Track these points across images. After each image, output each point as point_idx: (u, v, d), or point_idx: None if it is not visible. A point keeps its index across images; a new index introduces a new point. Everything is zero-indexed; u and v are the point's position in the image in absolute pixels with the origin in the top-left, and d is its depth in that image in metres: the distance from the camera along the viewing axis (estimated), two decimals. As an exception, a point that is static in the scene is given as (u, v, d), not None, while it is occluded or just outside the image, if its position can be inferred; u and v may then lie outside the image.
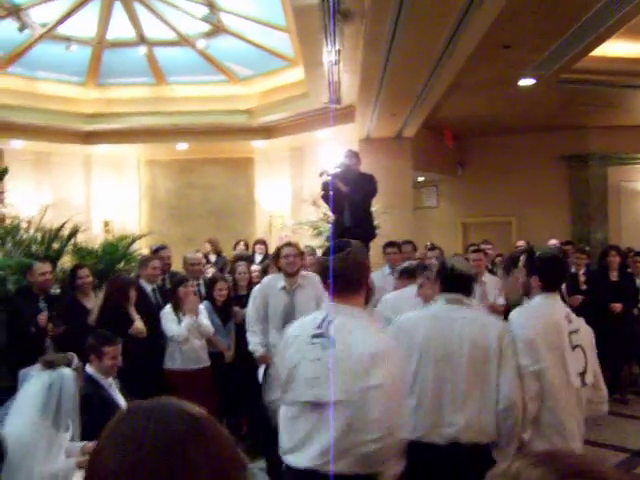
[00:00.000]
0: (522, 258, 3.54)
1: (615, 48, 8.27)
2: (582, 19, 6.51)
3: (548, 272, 3.30)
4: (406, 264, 5.55)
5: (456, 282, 3.24)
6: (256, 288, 5.75)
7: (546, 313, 3.22)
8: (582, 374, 3.13)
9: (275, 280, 5.57)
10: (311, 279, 5.31)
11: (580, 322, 3.29)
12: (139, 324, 5.50)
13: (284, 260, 5.43)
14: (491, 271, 7.33)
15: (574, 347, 3.13)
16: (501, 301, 6.36)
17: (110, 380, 4.19)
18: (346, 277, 2.66)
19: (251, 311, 5.57)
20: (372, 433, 2.43)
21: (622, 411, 7.01)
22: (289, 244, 5.65)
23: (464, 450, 2.96)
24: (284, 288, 5.42)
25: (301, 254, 5.67)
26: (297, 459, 2.61)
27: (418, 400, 3.03)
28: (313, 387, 2.56)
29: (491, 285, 6.60)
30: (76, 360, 3.56)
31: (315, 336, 2.63)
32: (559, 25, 6.71)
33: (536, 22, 6.49)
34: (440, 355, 3.04)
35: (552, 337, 3.12)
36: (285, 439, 2.71)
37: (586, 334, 3.27)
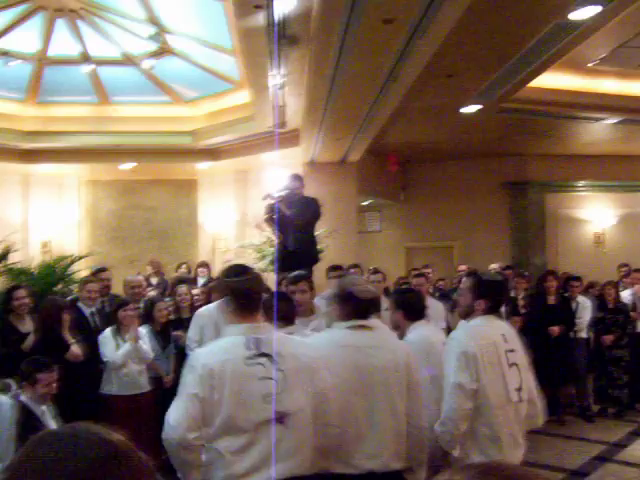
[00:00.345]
0: (465, 281, 3.59)
1: (552, 80, 8.57)
2: (521, 51, 6.73)
3: (494, 296, 3.39)
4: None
5: (356, 307, 3.12)
6: (201, 312, 5.61)
7: (485, 332, 3.29)
8: (518, 390, 3.22)
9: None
10: None
11: (516, 342, 3.36)
12: (74, 348, 5.34)
13: None
14: (432, 295, 7.42)
15: (510, 365, 3.23)
16: (443, 325, 6.42)
17: (44, 407, 4.04)
18: (259, 297, 2.87)
19: (192, 334, 5.44)
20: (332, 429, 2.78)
21: (560, 432, 7.15)
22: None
23: (379, 478, 2.93)
24: None
25: None
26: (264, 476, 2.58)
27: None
28: (269, 403, 2.60)
29: (433, 309, 6.66)
30: (14, 387, 3.42)
31: (251, 357, 2.64)
32: (500, 56, 6.92)
33: (478, 53, 6.68)
34: (350, 386, 2.95)
35: (490, 355, 3.18)
36: (230, 472, 2.59)
37: (521, 354, 3.35)
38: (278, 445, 2.59)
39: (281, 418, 2.61)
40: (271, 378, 2.61)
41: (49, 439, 0.93)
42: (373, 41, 5.53)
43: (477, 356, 3.14)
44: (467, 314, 3.45)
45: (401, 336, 3.79)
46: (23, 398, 3.97)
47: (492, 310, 3.36)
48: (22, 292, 5.77)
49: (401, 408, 3.00)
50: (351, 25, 5.23)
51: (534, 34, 6.23)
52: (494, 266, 9.28)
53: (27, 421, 3.85)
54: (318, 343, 3.09)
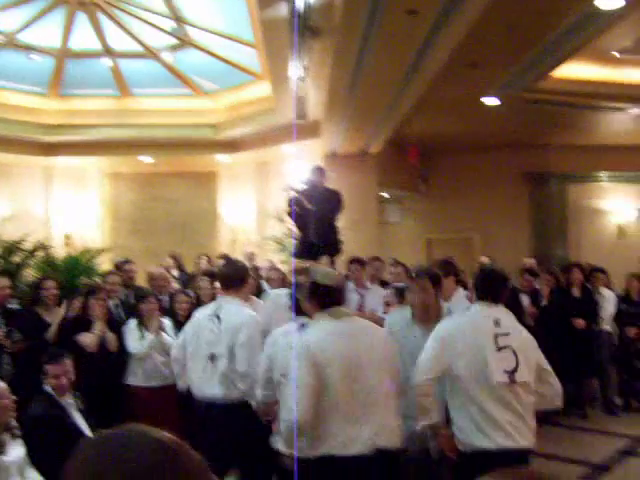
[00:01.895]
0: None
1: (575, 70, 8.47)
2: (546, 40, 6.66)
3: (481, 284, 3.66)
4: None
5: (329, 297, 3.28)
6: None
7: (471, 318, 3.56)
8: (511, 372, 3.32)
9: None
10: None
11: (513, 327, 3.51)
12: (83, 337, 5.38)
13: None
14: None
15: (500, 348, 3.36)
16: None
17: (69, 399, 4.05)
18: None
19: None
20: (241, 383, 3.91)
21: (583, 425, 7.10)
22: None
23: (380, 457, 3.08)
24: None
25: None
26: None
27: (331, 415, 3.04)
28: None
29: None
30: None
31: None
32: (523, 46, 6.85)
33: (502, 43, 6.61)
34: (345, 370, 3.08)
35: (470, 338, 3.39)
36: None
37: (520, 337, 3.48)
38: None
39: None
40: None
41: (103, 442, 0.92)
42: (396, 32, 5.50)
43: (445, 338, 3.42)
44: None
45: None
46: (48, 389, 3.99)
47: (483, 297, 3.56)
48: (51, 283, 5.84)
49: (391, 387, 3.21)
50: (374, 16, 5.20)
51: (559, 23, 6.16)
52: (530, 261, 9.27)
53: (53, 412, 3.88)
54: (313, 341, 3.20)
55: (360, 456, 2.99)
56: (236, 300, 4.26)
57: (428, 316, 4.05)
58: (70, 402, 4.03)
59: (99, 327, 5.51)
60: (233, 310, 4.17)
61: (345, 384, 3.05)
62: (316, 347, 3.09)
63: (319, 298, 3.29)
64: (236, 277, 4.34)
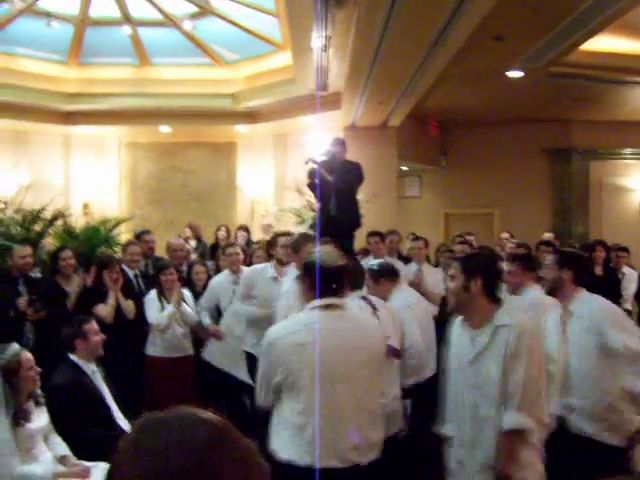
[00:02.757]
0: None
1: (604, 43, 8.26)
2: (574, 13, 6.49)
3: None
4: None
5: (326, 281, 2.90)
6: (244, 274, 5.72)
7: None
8: None
9: (263, 269, 5.55)
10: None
11: None
12: (99, 308, 5.41)
13: (281, 250, 5.39)
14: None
15: None
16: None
17: (94, 367, 4.11)
18: None
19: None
20: None
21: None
22: (288, 233, 5.65)
23: (364, 469, 2.84)
24: (274, 278, 5.39)
25: None
26: None
27: (307, 422, 2.78)
28: None
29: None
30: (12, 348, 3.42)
31: None
32: (551, 18, 6.69)
33: (529, 15, 6.46)
34: (328, 373, 2.79)
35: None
36: None
37: None
38: None
39: None
40: None
41: (155, 425, 0.93)
42: (423, 2, 5.37)
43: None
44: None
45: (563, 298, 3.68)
46: (74, 358, 4.03)
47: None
48: (68, 253, 5.87)
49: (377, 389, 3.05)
50: (401, -15, 5.08)
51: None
52: (548, 235, 9.20)
53: (77, 380, 3.92)
54: (279, 337, 2.92)
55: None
56: None
57: None
58: (95, 370, 4.09)
59: (112, 298, 5.54)
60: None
61: (322, 389, 2.80)
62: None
63: (310, 282, 2.92)
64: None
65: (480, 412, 2.87)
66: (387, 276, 4.58)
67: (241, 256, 6.25)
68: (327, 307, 2.90)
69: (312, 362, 2.74)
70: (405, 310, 4.51)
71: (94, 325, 4.19)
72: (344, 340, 2.87)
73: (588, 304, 3.56)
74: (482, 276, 2.96)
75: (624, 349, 3.35)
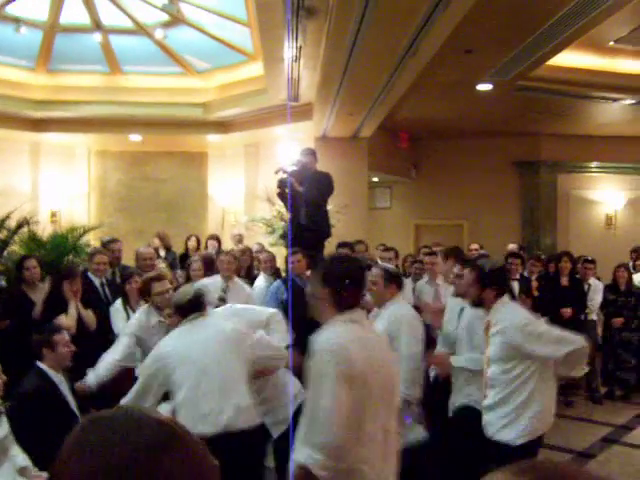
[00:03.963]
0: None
1: (570, 59, 8.43)
2: (541, 29, 6.61)
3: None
4: None
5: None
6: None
7: None
8: None
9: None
10: None
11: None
12: (62, 319, 5.32)
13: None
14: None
15: None
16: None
17: (61, 376, 4.06)
18: None
19: None
20: None
21: (567, 413, 7.16)
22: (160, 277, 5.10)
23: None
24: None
25: None
26: None
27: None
28: None
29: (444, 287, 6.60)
30: None
31: None
32: (519, 33, 6.80)
33: (498, 29, 6.56)
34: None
35: None
36: None
37: None
38: None
39: None
40: None
41: (102, 422, 0.91)
42: (393, 14, 5.42)
43: None
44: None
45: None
46: (42, 366, 3.99)
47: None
48: (32, 262, 5.80)
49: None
50: (371, -3, 5.12)
51: (557, 10, 6.10)
52: (512, 246, 9.30)
53: (44, 388, 3.87)
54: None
55: None
56: None
57: None
58: (62, 379, 4.05)
59: (73, 308, 5.47)
60: None
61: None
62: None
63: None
64: None
65: None
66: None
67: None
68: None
69: None
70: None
71: (65, 336, 4.14)
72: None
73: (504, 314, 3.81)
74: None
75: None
